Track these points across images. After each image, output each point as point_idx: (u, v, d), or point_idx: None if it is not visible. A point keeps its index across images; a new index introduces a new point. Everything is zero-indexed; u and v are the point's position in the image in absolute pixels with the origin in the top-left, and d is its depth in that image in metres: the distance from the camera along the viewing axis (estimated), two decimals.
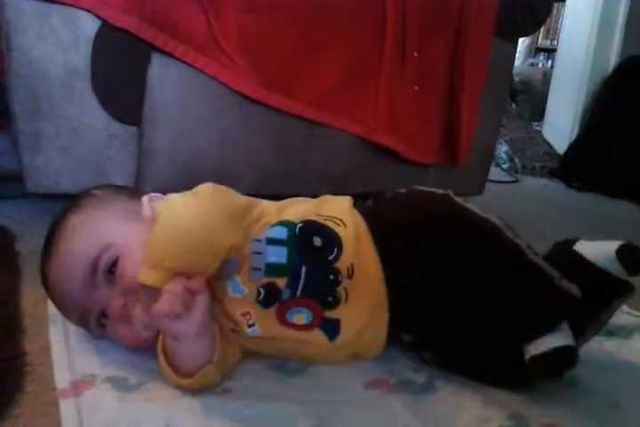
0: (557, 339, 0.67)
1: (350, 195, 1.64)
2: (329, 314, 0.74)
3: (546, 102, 3.08)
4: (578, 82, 2.78)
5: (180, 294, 0.63)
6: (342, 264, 0.75)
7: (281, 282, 0.73)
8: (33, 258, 1.05)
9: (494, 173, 2.42)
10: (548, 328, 0.68)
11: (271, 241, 0.75)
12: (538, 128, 3.09)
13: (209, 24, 1.22)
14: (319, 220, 0.79)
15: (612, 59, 2.72)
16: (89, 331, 0.77)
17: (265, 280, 0.73)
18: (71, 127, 1.18)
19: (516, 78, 3.57)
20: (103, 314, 0.74)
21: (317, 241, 0.76)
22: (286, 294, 0.73)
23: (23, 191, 1.24)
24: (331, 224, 0.79)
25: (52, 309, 0.86)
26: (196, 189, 0.75)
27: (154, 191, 0.83)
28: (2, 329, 0.79)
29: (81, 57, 1.17)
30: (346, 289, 0.75)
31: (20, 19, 1.11)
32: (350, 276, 0.75)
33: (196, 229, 0.67)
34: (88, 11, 1.14)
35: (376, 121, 1.46)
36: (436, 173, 1.62)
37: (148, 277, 0.63)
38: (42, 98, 1.16)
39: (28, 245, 1.10)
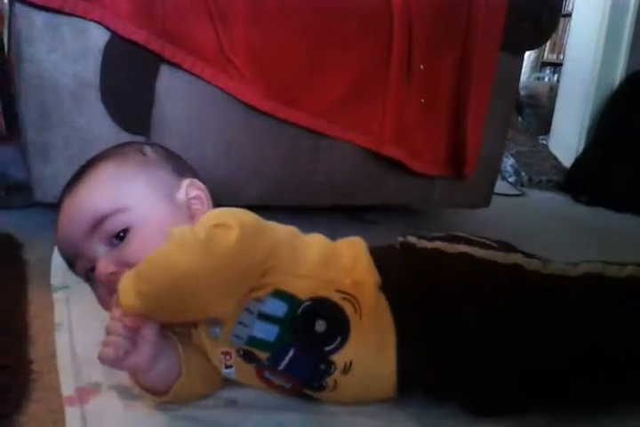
0: None
1: (355, 206, 1.66)
2: (310, 393, 0.69)
3: (552, 116, 3.08)
4: (584, 96, 2.78)
5: (122, 333, 0.60)
6: (340, 358, 0.66)
7: (262, 354, 0.67)
8: (40, 266, 1.07)
9: (500, 186, 2.42)
10: None
11: (263, 316, 0.65)
12: (544, 142, 3.09)
13: (217, 36, 1.23)
14: (335, 298, 0.67)
15: (619, 73, 2.73)
16: (75, 274, 0.74)
17: (245, 347, 0.67)
18: (80, 137, 1.19)
19: (523, 92, 3.58)
20: (92, 269, 0.68)
21: (320, 326, 0.66)
22: (267, 363, 0.67)
23: (31, 201, 1.25)
24: (347, 306, 0.67)
25: (58, 317, 0.87)
26: (232, 218, 0.63)
27: None
28: (8, 336, 0.79)
29: (90, 68, 1.18)
30: (335, 381, 0.67)
31: (31, 30, 1.12)
32: (346, 371, 0.66)
33: (185, 290, 0.59)
34: (98, 22, 1.15)
35: (383, 133, 1.47)
36: (441, 185, 1.62)
37: (133, 304, 0.59)
38: (51, 108, 1.17)
39: (36, 254, 1.11)
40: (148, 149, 0.76)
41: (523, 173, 2.71)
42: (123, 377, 0.72)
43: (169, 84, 1.24)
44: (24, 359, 0.74)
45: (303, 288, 0.66)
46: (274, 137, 1.38)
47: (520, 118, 3.39)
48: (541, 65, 4.28)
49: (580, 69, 2.84)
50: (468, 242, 0.73)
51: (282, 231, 0.72)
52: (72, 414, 0.64)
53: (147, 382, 0.66)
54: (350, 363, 0.66)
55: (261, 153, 1.38)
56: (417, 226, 1.79)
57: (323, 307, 0.66)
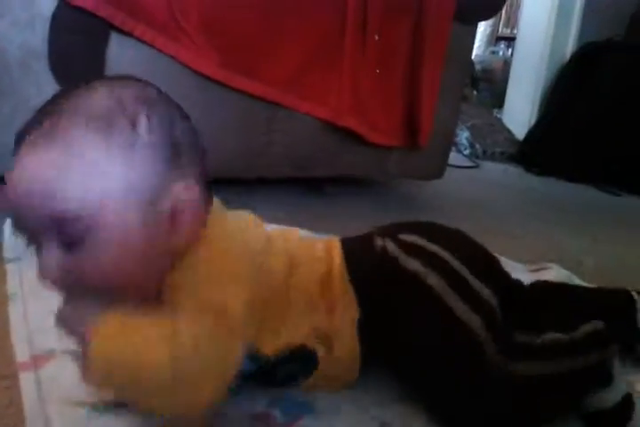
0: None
1: (313, 178, 1.66)
2: None
3: (506, 90, 3.13)
4: (536, 69, 2.83)
5: None
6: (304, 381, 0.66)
7: None
8: None
9: (456, 158, 2.46)
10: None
11: None
12: (498, 115, 3.14)
13: (169, 3, 1.21)
14: (309, 343, 0.64)
15: (570, 47, 2.78)
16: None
17: None
18: (29, 107, 1.16)
19: (477, 66, 3.62)
20: (38, 245, 0.54)
21: (286, 369, 0.65)
22: None
23: None
24: (319, 349, 0.64)
25: (10, 287, 0.86)
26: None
27: None
28: None
29: (38, 36, 1.15)
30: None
31: None
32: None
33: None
34: None
35: (339, 104, 1.47)
36: (397, 156, 1.64)
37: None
38: None
39: None
40: (142, 121, 0.54)
41: (477, 146, 2.76)
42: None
43: (119, 52, 1.22)
44: None
45: (281, 343, 0.62)
46: (229, 108, 1.37)
47: (475, 92, 3.43)
48: (496, 39, 4.32)
49: (532, 43, 2.89)
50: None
51: (276, 275, 0.63)
52: (26, 379, 0.63)
53: None
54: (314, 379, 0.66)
55: (216, 124, 1.36)
56: (374, 197, 1.81)
57: (293, 356, 0.63)
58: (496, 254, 0.76)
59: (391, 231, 0.71)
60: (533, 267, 1.14)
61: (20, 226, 0.55)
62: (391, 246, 0.67)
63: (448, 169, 1.80)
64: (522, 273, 1.00)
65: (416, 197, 1.89)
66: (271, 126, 1.43)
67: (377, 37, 1.48)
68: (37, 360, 0.67)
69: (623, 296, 0.79)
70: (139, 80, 0.59)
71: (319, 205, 1.59)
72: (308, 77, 1.43)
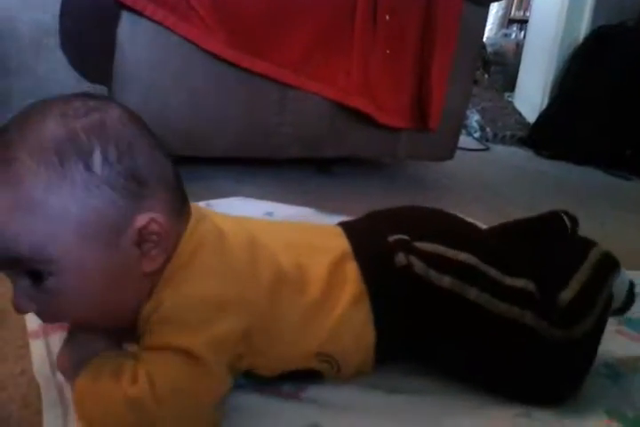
0: None
1: (322, 159, 1.66)
2: None
3: (518, 73, 3.11)
4: (549, 52, 2.80)
5: None
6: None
7: None
8: None
9: (466, 141, 2.45)
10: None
11: None
12: (510, 98, 3.12)
13: None
14: (312, 364, 0.62)
15: (583, 29, 2.75)
16: None
17: None
18: (40, 85, 1.17)
19: (489, 49, 3.58)
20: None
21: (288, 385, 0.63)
22: None
23: None
24: (325, 368, 0.62)
25: None
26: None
27: None
28: None
29: (49, 15, 1.16)
30: None
31: None
32: None
33: None
34: None
35: (349, 84, 1.47)
36: (407, 138, 1.64)
37: None
38: (11, 56, 1.15)
39: None
40: (96, 159, 0.49)
41: (488, 129, 2.75)
42: None
43: (130, 31, 1.22)
44: None
45: (277, 366, 0.61)
46: (239, 88, 1.37)
47: (487, 75, 3.41)
48: (508, 22, 4.27)
49: (545, 26, 2.86)
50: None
51: (262, 291, 0.59)
52: (36, 346, 0.64)
53: None
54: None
55: (226, 103, 1.37)
56: (382, 178, 1.81)
57: (295, 374, 0.62)
58: None
59: (403, 241, 0.66)
60: None
61: None
62: (416, 263, 0.63)
63: (458, 152, 1.80)
64: None
65: (425, 179, 1.89)
66: (282, 107, 1.44)
67: (387, 18, 1.47)
68: (47, 329, 0.68)
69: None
70: (101, 101, 0.54)
71: (328, 186, 1.60)
72: (318, 58, 1.42)
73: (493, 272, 0.64)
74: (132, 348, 0.57)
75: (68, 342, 0.57)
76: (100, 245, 0.51)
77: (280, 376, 0.61)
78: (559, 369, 0.63)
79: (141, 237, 0.52)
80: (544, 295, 0.63)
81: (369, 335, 0.63)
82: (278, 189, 1.41)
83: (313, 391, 0.63)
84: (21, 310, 0.52)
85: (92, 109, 0.52)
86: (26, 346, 0.65)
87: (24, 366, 0.62)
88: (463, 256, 0.64)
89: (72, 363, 0.55)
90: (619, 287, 0.70)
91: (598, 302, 0.64)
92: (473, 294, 0.62)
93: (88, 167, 0.49)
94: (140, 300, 0.55)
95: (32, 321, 0.69)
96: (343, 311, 0.62)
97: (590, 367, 0.65)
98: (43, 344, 0.64)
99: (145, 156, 0.53)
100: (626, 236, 1.37)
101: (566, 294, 0.63)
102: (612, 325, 0.82)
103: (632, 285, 0.73)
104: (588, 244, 0.71)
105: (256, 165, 1.56)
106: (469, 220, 0.81)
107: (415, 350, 0.66)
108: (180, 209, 0.57)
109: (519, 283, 0.64)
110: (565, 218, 0.78)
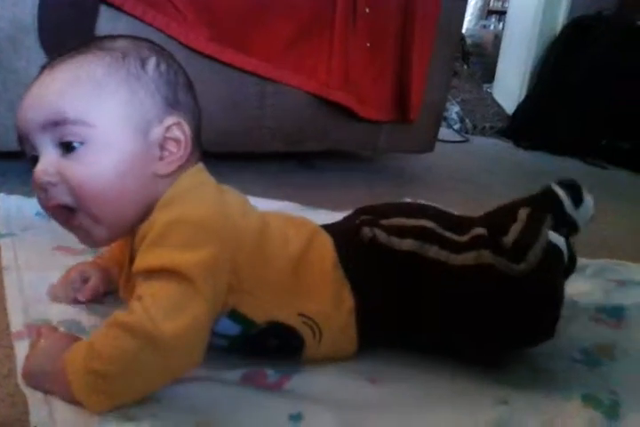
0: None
1: (303, 152, 1.67)
2: None
3: (497, 64, 3.13)
4: (527, 43, 2.83)
5: None
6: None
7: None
8: None
9: (446, 133, 2.47)
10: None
11: (215, 333, 0.61)
12: (489, 90, 3.14)
13: None
14: (294, 322, 0.64)
15: (560, 20, 2.77)
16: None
17: None
18: (19, 82, 1.16)
19: (468, 40, 3.60)
20: (35, 158, 0.61)
21: (272, 342, 0.65)
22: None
23: None
24: (306, 332, 0.64)
25: (5, 261, 0.87)
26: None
27: None
28: None
29: (28, 11, 1.15)
30: None
31: None
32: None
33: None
34: None
35: (329, 78, 1.48)
36: (387, 131, 1.65)
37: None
38: None
39: None
40: (151, 63, 0.62)
41: (467, 121, 2.77)
42: (71, 314, 0.73)
43: (109, 26, 1.21)
44: None
45: (262, 310, 0.63)
46: (220, 83, 1.37)
47: (466, 67, 3.42)
48: (487, 13, 4.30)
49: (523, 17, 2.88)
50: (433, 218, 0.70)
51: (250, 231, 0.64)
52: (21, 347, 0.64)
53: None
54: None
55: (207, 98, 1.34)
56: (364, 171, 1.82)
57: (278, 331, 0.64)
58: None
59: (369, 219, 0.71)
60: None
61: (23, 139, 0.61)
62: (379, 233, 0.68)
63: (438, 144, 1.82)
64: None
65: (405, 171, 1.91)
66: (262, 101, 1.44)
67: (367, 10, 1.48)
68: (32, 329, 0.68)
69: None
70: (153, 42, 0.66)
71: (310, 179, 1.61)
72: (298, 51, 1.43)
73: (449, 234, 0.68)
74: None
75: (32, 348, 0.59)
76: (132, 129, 0.60)
77: (266, 329, 0.63)
78: (530, 303, 0.64)
79: (165, 139, 0.62)
80: (492, 236, 0.67)
81: (347, 300, 0.66)
82: (260, 184, 1.41)
83: (297, 381, 0.64)
84: (42, 177, 0.58)
85: (154, 46, 0.66)
86: (10, 346, 0.65)
87: (11, 367, 0.62)
88: (422, 222, 0.69)
89: (30, 369, 0.57)
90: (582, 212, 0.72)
91: (541, 235, 0.66)
92: (433, 251, 0.66)
93: (143, 66, 0.62)
94: (142, 203, 0.61)
95: (17, 322, 0.69)
96: (321, 271, 0.66)
97: (559, 305, 0.66)
98: (27, 344, 0.64)
99: (186, 86, 0.65)
100: (603, 223, 1.40)
101: (511, 235, 0.66)
102: (588, 312, 0.85)
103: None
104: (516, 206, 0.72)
105: (238, 160, 1.56)
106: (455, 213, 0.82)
107: (392, 322, 0.68)
108: (196, 145, 0.65)
109: (472, 232, 0.67)
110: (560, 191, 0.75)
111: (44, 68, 0.62)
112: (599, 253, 1.13)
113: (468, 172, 1.96)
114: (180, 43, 1.27)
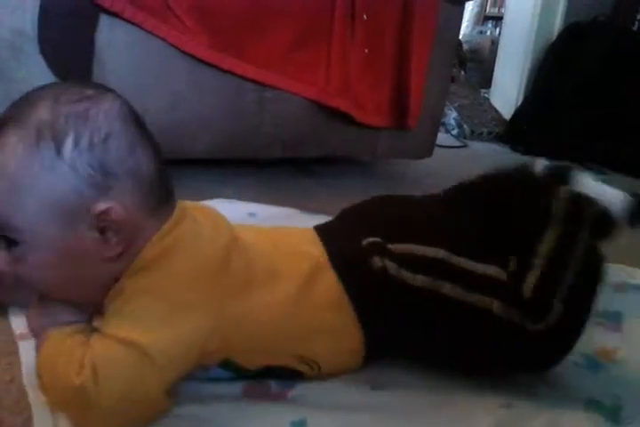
0: None
1: (302, 158, 1.67)
2: None
3: (493, 69, 3.14)
4: (523, 49, 2.83)
5: None
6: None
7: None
8: None
9: (444, 138, 2.47)
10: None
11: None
12: (486, 95, 3.15)
13: None
14: (291, 363, 0.63)
15: (557, 25, 2.78)
16: None
17: None
18: (20, 91, 1.16)
19: (465, 46, 3.61)
20: None
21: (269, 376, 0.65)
22: None
23: None
24: (304, 368, 0.64)
25: None
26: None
27: None
28: None
29: (28, 19, 1.15)
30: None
31: None
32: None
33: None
34: None
35: (328, 84, 1.48)
36: (385, 136, 1.65)
37: None
38: None
39: None
40: (68, 143, 0.53)
41: (465, 126, 2.77)
42: None
43: (109, 34, 1.22)
44: None
45: (257, 359, 0.62)
46: (219, 89, 1.37)
47: (463, 72, 3.43)
48: (484, 19, 4.31)
49: (519, 22, 2.89)
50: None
51: (234, 286, 0.60)
52: (26, 348, 0.64)
53: None
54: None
55: (207, 105, 1.37)
56: (363, 177, 1.82)
57: (275, 371, 0.64)
58: None
59: (377, 244, 0.66)
60: None
61: None
62: (390, 265, 0.64)
63: (436, 149, 1.82)
64: None
65: (404, 177, 1.91)
66: (261, 107, 1.44)
67: (365, 17, 1.48)
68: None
69: None
70: (100, 91, 0.57)
71: (309, 185, 1.61)
72: (297, 58, 1.43)
73: (463, 262, 0.64)
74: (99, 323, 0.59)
75: (39, 305, 0.60)
76: (60, 224, 0.54)
77: (263, 371, 0.63)
78: (541, 351, 0.64)
79: (100, 223, 0.55)
80: (511, 281, 0.63)
81: (355, 338, 0.64)
82: (260, 190, 1.42)
83: (300, 390, 0.64)
84: None
85: (85, 98, 0.55)
86: (14, 353, 0.65)
87: (13, 374, 0.62)
88: (432, 252, 0.65)
89: (38, 327, 0.59)
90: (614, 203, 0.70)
91: (566, 278, 0.62)
92: (446, 288, 0.63)
93: (58, 151, 0.53)
94: (104, 283, 0.57)
95: (18, 325, 0.69)
96: (324, 308, 0.63)
97: (576, 342, 0.64)
98: (32, 345, 0.64)
99: (120, 150, 0.55)
100: None
101: (530, 279, 0.62)
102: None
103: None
104: (548, 193, 0.69)
105: (237, 167, 1.57)
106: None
107: (401, 346, 0.68)
108: (156, 207, 0.59)
109: (490, 270, 0.64)
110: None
111: None
112: None
113: (465, 176, 1.96)
114: (180, 50, 1.28)
